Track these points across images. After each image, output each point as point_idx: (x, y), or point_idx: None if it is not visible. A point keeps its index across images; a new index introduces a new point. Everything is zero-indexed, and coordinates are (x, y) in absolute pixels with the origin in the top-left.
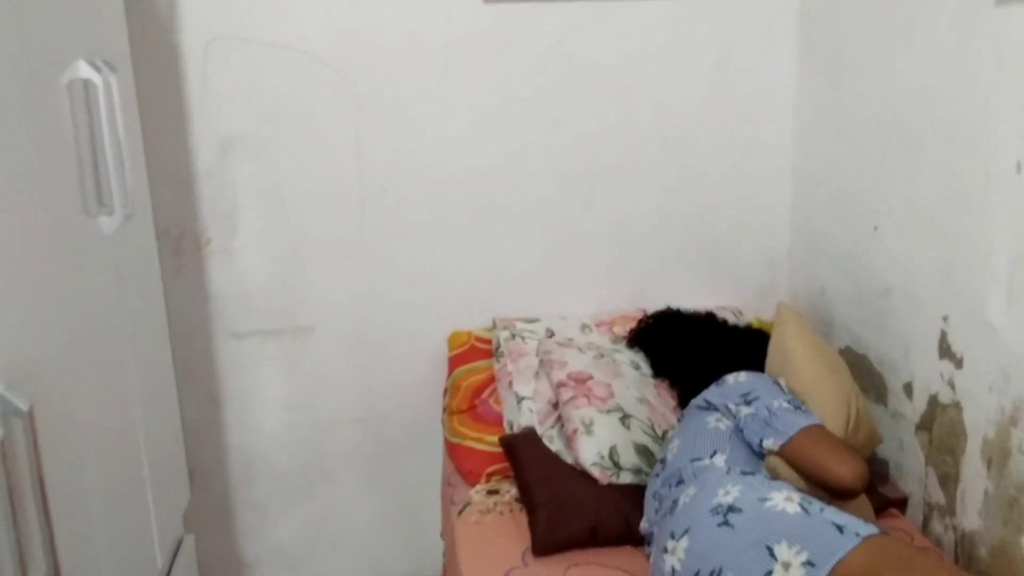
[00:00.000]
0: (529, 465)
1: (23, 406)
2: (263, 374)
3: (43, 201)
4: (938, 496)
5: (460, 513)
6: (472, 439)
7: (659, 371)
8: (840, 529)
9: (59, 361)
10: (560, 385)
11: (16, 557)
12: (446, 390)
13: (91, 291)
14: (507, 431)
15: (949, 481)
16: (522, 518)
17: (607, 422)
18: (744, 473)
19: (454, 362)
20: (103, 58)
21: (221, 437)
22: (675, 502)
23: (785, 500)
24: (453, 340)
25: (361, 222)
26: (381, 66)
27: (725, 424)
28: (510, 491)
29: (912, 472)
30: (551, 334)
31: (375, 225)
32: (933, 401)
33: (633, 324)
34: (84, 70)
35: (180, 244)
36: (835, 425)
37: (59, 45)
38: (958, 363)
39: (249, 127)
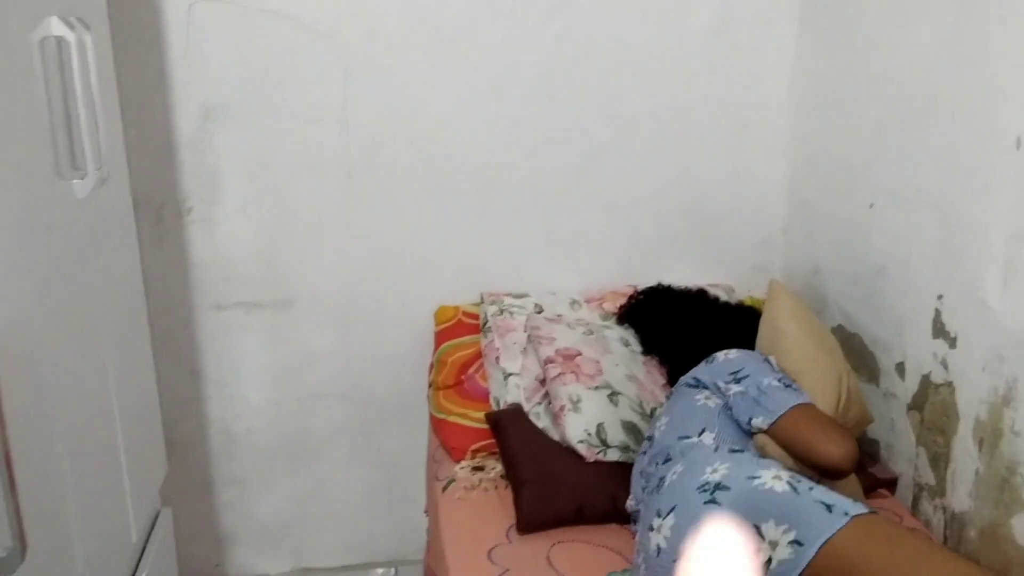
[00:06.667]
0: (515, 442)
1: None
2: (246, 347)
3: (13, 162)
4: (928, 477)
5: (444, 489)
6: (458, 415)
7: (649, 348)
8: (829, 508)
9: (28, 329)
10: (548, 361)
11: None
12: (432, 365)
13: (63, 256)
14: (493, 407)
15: (940, 462)
16: (507, 495)
17: (595, 399)
18: (733, 451)
19: (440, 337)
20: (77, 15)
21: (202, 410)
22: (662, 480)
23: (773, 479)
24: (440, 315)
25: (347, 194)
26: (372, 35)
27: (714, 402)
28: (495, 468)
29: (903, 452)
30: (540, 310)
31: (361, 197)
32: (925, 381)
33: (623, 300)
34: (57, 27)
35: (161, 213)
36: (826, 404)
37: (31, 1)
38: (952, 343)
39: (234, 94)
